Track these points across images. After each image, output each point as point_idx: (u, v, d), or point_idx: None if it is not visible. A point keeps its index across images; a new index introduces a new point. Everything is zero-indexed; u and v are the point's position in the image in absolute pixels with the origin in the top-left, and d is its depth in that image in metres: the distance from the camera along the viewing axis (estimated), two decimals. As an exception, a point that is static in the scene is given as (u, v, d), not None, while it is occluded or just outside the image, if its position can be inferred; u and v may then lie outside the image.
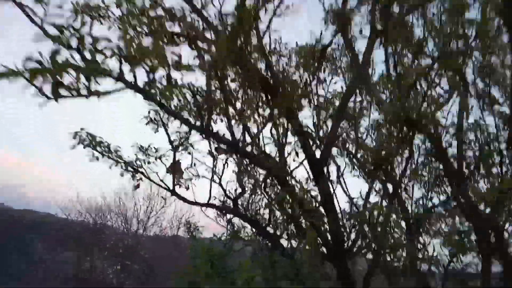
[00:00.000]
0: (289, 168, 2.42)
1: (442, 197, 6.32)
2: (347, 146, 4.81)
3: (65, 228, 16.84)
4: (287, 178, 2.25)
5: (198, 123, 2.72)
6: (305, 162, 3.46)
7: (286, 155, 2.40)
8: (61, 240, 16.36)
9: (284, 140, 2.32)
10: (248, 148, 3.16)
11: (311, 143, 3.00)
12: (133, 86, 1.93)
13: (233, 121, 2.36)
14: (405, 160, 4.48)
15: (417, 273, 5.08)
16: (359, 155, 4.71)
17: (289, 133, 3.12)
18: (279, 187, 3.40)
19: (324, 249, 3.36)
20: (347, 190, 4.01)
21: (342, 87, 4.69)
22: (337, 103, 3.95)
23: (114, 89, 1.91)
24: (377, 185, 5.18)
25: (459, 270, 7.03)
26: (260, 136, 2.96)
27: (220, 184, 4.49)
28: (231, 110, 2.52)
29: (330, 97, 4.14)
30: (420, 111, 3.13)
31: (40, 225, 19.02)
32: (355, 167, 4.81)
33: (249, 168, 4.09)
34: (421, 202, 6.16)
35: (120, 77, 1.85)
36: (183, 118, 1.93)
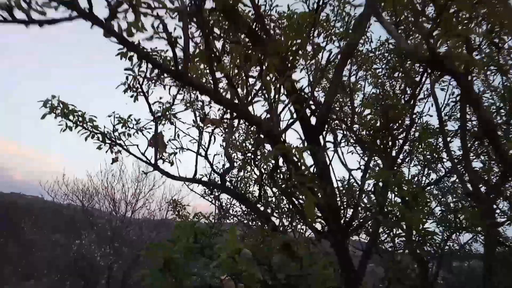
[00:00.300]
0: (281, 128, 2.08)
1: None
2: (341, 116, 4.46)
3: (53, 211, 16.78)
4: (280, 138, 1.90)
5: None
6: (299, 131, 3.11)
7: (278, 113, 2.06)
8: (50, 223, 16.31)
9: (276, 98, 1.97)
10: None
11: (305, 106, 2.63)
12: (88, 15, 1.53)
13: (217, 74, 1.97)
14: (407, 128, 4.14)
15: (414, 253, 4.83)
16: (355, 127, 4.37)
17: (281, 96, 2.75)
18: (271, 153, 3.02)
19: (319, 226, 3.05)
20: (345, 160, 3.68)
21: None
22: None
23: (63, 17, 1.51)
24: (374, 161, 4.89)
25: (456, 250, 6.84)
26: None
27: (206, 158, 4.13)
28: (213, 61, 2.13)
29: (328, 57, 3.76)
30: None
31: (29, 208, 19.03)
32: (352, 139, 4.49)
33: (236, 135, 3.74)
34: (417, 179, 5.93)
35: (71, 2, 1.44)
36: (154, 60, 1.58)
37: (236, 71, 1.95)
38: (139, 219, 14.06)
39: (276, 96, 1.99)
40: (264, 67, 2.16)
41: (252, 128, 3.66)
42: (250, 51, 1.99)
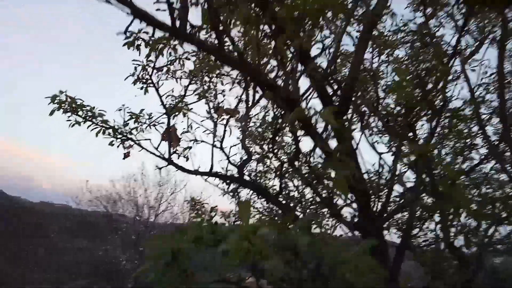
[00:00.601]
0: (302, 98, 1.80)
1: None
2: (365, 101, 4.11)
3: (79, 218, 17.19)
4: (300, 103, 1.63)
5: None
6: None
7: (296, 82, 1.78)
8: (76, 229, 16.69)
9: (292, 61, 1.69)
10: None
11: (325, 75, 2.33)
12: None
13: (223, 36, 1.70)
14: (441, 107, 3.74)
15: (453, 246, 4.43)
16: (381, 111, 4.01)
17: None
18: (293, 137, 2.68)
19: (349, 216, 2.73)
20: (372, 145, 3.31)
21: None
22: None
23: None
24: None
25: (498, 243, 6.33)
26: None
27: (222, 150, 3.88)
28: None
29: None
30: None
31: (57, 216, 19.64)
32: (376, 127, 4.13)
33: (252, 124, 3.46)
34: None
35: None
36: (150, 17, 1.34)
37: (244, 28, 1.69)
38: (162, 223, 14.02)
39: (293, 60, 1.71)
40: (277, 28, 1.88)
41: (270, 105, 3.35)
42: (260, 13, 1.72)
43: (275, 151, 3.21)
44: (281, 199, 3.60)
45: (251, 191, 3.82)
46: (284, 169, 3.31)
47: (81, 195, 14.20)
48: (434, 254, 4.35)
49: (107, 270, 12.61)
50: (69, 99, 3.74)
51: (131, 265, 12.32)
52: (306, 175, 2.91)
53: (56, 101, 3.76)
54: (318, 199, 3.05)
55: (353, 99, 2.61)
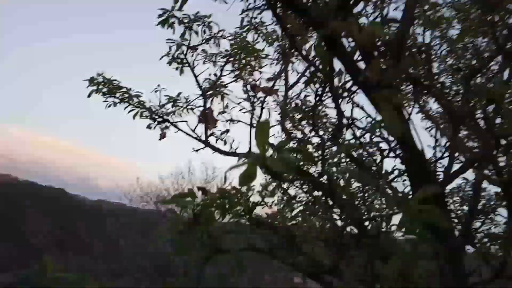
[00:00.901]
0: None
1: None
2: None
3: (133, 214, 17.99)
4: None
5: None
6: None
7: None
8: (130, 225, 17.47)
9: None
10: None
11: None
12: None
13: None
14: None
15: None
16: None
17: None
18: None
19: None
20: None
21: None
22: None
23: None
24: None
25: None
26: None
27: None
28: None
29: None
30: None
31: (113, 212, 20.79)
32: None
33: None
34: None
35: None
36: None
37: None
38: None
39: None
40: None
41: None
42: None
43: (316, 125, 2.94)
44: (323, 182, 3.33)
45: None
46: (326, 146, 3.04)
47: (132, 192, 14.74)
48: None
49: (159, 264, 12.99)
50: (106, 81, 3.75)
51: (181, 259, 12.62)
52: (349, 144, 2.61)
53: (93, 83, 3.79)
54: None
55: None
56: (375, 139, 2.24)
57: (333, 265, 1.26)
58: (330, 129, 2.96)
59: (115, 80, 3.80)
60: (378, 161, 2.33)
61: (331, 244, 1.38)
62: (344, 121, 2.57)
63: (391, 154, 2.20)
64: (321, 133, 3.16)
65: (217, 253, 1.51)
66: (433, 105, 3.86)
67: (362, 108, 2.21)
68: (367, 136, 2.42)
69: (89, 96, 3.77)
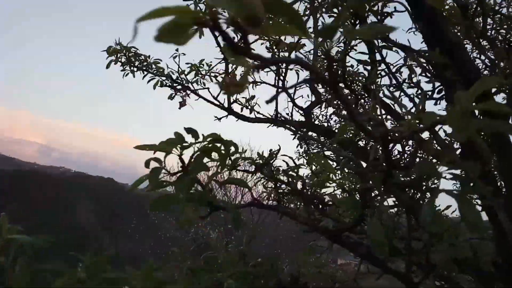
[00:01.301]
0: None
1: None
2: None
3: None
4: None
5: None
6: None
7: None
8: (171, 210, 18.03)
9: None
10: None
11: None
12: None
13: None
14: None
15: None
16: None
17: None
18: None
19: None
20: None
21: None
22: None
23: None
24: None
25: None
26: None
27: (285, 91, 3.33)
28: None
29: None
30: None
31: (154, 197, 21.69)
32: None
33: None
34: None
35: None
36: None
37: None
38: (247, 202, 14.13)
39: None
40: None
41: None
42: None
43: (346, 77, 2.54)
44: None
45: (321, 136, 3.23)
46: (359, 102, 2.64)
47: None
48: None
49: (199, 245, 13.18)
50: (123, 49, 3.55)
51: (221, 241, 12.74)
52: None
53: (111, 53, 3.60)
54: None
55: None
56: (415, 79, 1.83)
57: (357, 218, 0.92)
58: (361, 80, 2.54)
59: (133, 47, 3.59)
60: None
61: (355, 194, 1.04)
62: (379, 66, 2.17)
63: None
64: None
65: (213, 210, 1.20)
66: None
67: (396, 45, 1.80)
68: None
69: (107, 66, 3.59)
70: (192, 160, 1.21)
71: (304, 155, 3.59)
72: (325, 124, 3.53)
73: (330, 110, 3.42)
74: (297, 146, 3.53)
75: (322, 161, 1.16)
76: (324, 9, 2.66)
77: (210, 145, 1.23)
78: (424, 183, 0.87)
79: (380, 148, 0.78)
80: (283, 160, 2.25)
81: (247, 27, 0.49)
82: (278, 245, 13.71)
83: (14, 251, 1.13)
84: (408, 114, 0.84)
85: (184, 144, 1.19)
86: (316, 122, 3.52)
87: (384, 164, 0.82)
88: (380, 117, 0.99)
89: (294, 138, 3.38)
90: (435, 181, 0.84)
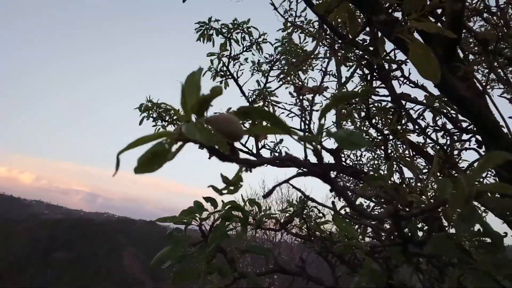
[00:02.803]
0: None
1: None
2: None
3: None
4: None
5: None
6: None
7: None
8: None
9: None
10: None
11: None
12: None
13: None
14: None
15: None
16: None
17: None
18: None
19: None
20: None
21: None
22: None
23: None
24: None
25: None
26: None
27: (311, 133, 3.32)
28: None
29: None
30: None
31: (191, 239, 21.94)
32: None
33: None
34: None
35: None
36: None
37: None
38: (288, 240, 13.75)
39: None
40: None
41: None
42: None
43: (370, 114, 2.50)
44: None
45: (351, 177, 3.16)
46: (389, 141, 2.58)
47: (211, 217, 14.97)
48: None
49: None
50: (154, 105, 3.71)
51: (263, 282, 12.37)
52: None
53: (143, 110, 3.77)
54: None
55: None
56: (440, 121, 1.76)
57: None
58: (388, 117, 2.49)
59: (163, 103, 3.74)
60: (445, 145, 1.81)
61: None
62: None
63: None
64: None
65: (238, 278, 1.19)
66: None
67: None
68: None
69: (140, 123, 3.75)
70: (212, 229, 1.22)
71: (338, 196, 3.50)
72: (356, 162, 3.45)
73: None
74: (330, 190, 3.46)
75: (344, 224, 1.13)
76: (341, 54, 2.69)
77: (229, 211, 1.24)
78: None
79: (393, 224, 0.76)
80: (315, 207, 2.21)
81: (230, 141, 0.51)
82: None
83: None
84: (422, 184, 0.82)
85: (202, 215, 1.21)
86: (348, 161, 3.45)
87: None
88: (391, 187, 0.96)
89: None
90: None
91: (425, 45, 0.64)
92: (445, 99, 1.49)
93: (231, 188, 0.59)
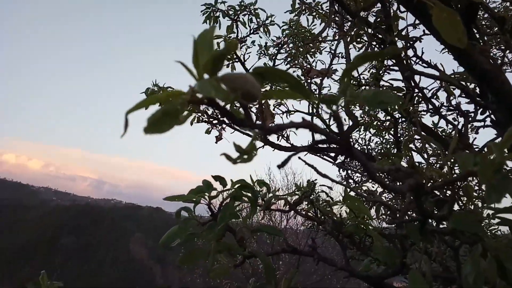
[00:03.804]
0: None
1: None
2: None
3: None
4: None
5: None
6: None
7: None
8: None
9: None
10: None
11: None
12: None
13: None
14: None
15: None
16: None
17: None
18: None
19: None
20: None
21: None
22: None
23: None
24: None
25: None
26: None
27: (319, 117, 3.27)
28: None
29: None
30: None
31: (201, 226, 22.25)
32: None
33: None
34: None
35: None
36: None
37: None
38: (293, 227, 13.83)
39: None
40: None
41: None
42: None
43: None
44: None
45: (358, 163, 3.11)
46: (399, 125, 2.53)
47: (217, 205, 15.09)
48: None
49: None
50: (160, 90, 3.68)
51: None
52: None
53: (149, 93, 3.74)
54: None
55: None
56: (454, 101, 1.71)
57: (398, 266, 0.86)
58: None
59: (169, 87, 3.71)
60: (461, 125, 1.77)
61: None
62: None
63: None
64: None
65: (248, 257, 1.17)
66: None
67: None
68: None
69: (146, 108, 3.71)
70: (221, 207, 1.20)
71: (347, 178, 3.48)
72: (365, 147, 3.42)
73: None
74: (338, 171, 3.44)
75: (356, 203, 1.10)
76: (353, 34, 2.62)
77: (239, 190, 1.22)
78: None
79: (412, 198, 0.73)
80: (322, 191, 2.18)
81: (246, 102, 0.47)
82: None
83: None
84: (441, 157, 0.78)
85: (212, 193, 1.19)
86: (356, 146, 3.42)
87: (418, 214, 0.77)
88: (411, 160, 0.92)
89: (333, 165, 3.29)
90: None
91: (450, 8, 0.60)
92: (458, 76, 1.45)
93: (245, 156, 0.56)
